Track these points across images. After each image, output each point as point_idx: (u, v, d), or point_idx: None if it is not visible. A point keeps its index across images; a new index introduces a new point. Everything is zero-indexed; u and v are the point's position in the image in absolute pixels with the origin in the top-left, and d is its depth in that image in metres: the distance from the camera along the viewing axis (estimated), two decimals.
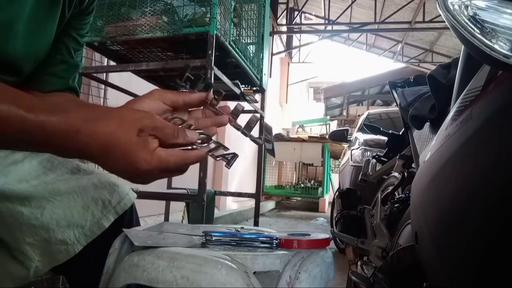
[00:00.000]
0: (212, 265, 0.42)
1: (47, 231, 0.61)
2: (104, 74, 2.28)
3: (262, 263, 0.45)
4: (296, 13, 9.73)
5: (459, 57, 0.84)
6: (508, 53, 0.51)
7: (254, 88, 2.46)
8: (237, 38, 2.06)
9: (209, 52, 1.65)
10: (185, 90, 2.54)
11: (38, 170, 0.67)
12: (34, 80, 0.69)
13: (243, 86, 2.30)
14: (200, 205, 1.59)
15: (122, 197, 0.73)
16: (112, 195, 0.71)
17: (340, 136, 4.14)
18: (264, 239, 0.50)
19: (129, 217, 0.74)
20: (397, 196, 1.51)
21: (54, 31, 0.66)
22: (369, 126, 2.66)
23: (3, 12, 0.55)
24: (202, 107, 0.57)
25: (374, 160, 2.07)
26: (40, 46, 0.64)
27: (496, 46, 0.52)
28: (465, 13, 0.56)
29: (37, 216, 0.61)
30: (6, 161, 0.64)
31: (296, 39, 11.12)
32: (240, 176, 6.26)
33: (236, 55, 1.94)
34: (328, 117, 12.59)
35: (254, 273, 0.43)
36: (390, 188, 1.61)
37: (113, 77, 2.31)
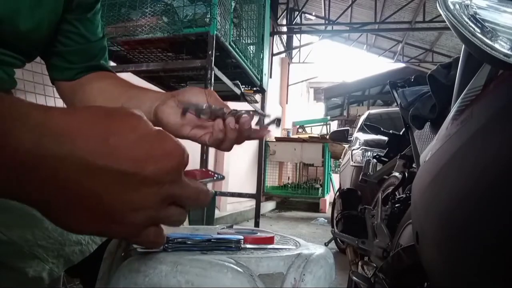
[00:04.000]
0: (217, 269, 0.41)
1: (60, 232, 0.60)
2: None
3: (267, 266, 0.45)
4: (296, 13, 9.74)
5: (460, 56, 0.84)
6: (509, 52, 0.51)
7: (255, 89, 2.46)
8: (237, 38, 2.06)
9: (209, 52, 1.65)
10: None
11: None
12: (56, 71, 0.71)
13: (243, 86, 2.30)
14: None
15: None
16: None
17: (341, 136, 4.15)
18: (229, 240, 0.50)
19: None
20: (398, 196, 1.50)
21: (60, 4, 0.64)
22: (369, 126, 2.66)
23: None
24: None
25: (374, 160, 2.07)
26: (46, 17, 0.62)
27: (496, 45, 0.52)
28: (466, 12, 0.56)
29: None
30: None
31: (296, 40, 11.11)
32: (240, 177, 6.26)
33: (236, 55, 1.94)
34: (329, 117, 12.58)
35: (259, 276, 0.43)
36: (391, 188, 1.61)
37: None
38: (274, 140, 7.70)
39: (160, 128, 0.30)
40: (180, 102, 0.59)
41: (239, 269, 0.42)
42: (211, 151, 5.30)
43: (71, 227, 0.30)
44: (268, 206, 7.45)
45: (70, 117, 0.28)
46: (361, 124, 4.21)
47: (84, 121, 0.28)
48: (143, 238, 0.32)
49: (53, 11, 0.64)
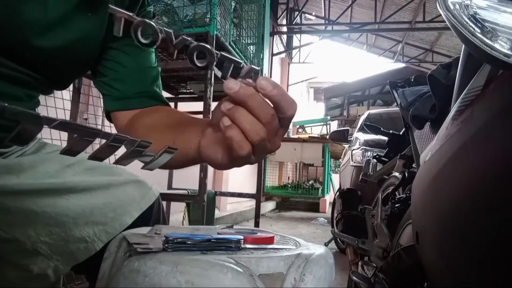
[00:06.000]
0: (217, 269, 0.41)
1: (63, 229, 0.59)
2: None
3: (267, 266, 0.45)
4: (296, 13, 9.73)
5: (460, 56, 0.84)
6: (509, 52, 0.51)
7: None
8: (237, 38, 2.07)
9: None
10: (185, 90, 2.53)
11: (54, 167, 0.64)
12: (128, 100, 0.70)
13: None
14: (201, 206, 1.59)
15: (145, 192, 0.70)
16: (135, 190, 0.69)
17: (341, 136, 4.14)
18: (230, 240, 0.50)
19: (156, 213, 0.71)
20: (398, 196, 1.50)
21: (89, 27, 0.64)
22: (369, 126, 2.66)
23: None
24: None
25: (374, 160, 2.07)
26: (75, 38, 0.62)
27: (496, 45, 0.52)
28: (466, 12, 0.56)
29: (51, 214, 0.58)
30: (20, 162, 0.63)
31: (296, 40, 11.11)
32: (240, 177, 6.26)
33: (237, 55, 1.94)
34: (329, 117, 12.57)
35: (259, 276, 0.43)
36: (391, 188, 1.61)
37: None
38: None
39: None
40: (211, 125, 0.49)
41: (239, 269, 0.42)
42: None
43: None
44: (268, 206, 7.45)
45: None
46: (361, 124, 4.21)
47: None
48: None
49: (87, 37, 0.63)
